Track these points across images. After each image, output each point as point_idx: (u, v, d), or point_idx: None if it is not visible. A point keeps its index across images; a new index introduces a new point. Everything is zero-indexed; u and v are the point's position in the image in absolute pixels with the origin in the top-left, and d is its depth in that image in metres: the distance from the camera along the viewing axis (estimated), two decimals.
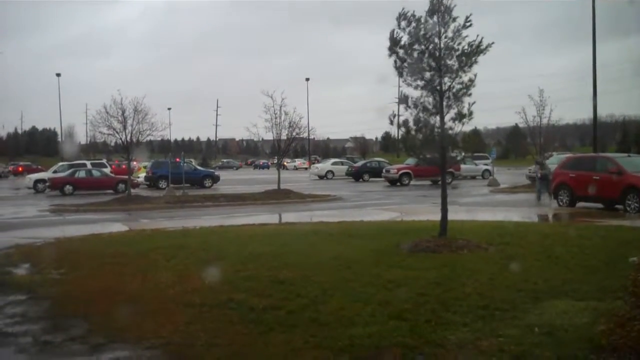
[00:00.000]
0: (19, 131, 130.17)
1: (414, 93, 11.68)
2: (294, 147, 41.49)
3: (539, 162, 27.30)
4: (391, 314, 6.89)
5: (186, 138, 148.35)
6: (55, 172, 41.99)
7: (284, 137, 31.29)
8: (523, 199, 26.76)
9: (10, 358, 6.12)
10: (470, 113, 11.42)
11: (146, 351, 6.03)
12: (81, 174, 38.51)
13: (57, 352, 6.19)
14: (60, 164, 47.72)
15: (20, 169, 75.61)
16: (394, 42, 11.55)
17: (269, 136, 32.59)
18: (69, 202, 30.33)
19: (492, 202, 26.56)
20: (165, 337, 6.37)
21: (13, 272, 10.66)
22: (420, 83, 11.56)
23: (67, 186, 36.58)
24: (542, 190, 25.29)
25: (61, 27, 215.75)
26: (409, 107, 11.69)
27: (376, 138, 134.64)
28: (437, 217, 12.37)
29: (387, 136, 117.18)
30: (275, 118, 30.58)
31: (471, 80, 11.32)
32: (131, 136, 29.36)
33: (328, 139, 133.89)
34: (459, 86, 11.37)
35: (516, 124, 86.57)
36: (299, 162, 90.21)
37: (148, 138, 31.60)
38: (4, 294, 8.89)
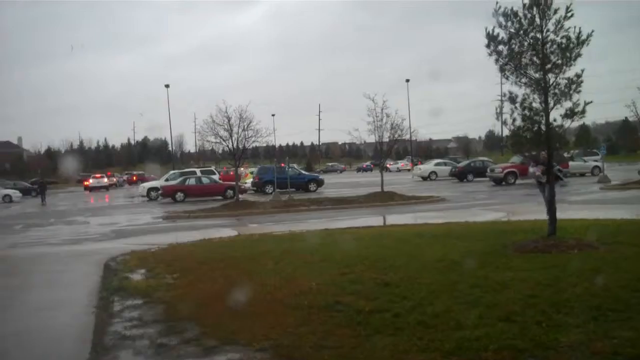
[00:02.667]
0: (132, 141, 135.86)
1: (517, 90, 11.40)
2: (396, 148, 41.37)
3: None
4: (500, 316, 6.76)
5: (290, 143, 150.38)
6: (167, 180, 43.57)
7: (386, 139, 31.22)
8: (636, 196, 25.55)
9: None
10: (583, 111, 11.00)
11: (257, 353, 6.19)
12: (191, 181, 39.80)
13: (172, 355, 6.41)
14: (172, 172, 49.55)
15: (134, 178, 79.00)
16: (492, 38, 11.30)
17: (372, 139, 32.64)
18: (180, 208, 31.43)
19: (603, 200, 25.49)
20: (275, 339, 6.51)
21: (130, 277, 11.16)
22: (524, 80, 11.27)
23: (179, 193, 37.89)
24: None
25: (174, 39, 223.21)
26: (513, 104, 11.42)
27: (479, 137, 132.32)
28: (545, 216, 12.02)
29: (490, 135, 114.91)
30: (377, 121, 30.58)
31: (578, 76, 10.91)
32: (237, 143, 30.14)
33: (430, 139, 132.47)
34: (564, 81, 10.99)
35: (626, 117, 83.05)
36: (401, 163, 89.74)
37: (253, 144, 32.35)
38: (122, 299, 9.33)
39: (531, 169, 14.51)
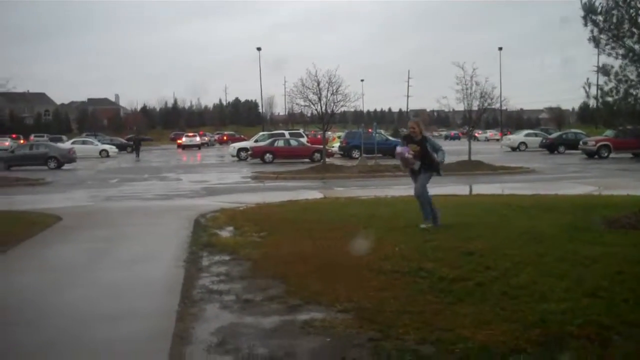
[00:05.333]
0: (224, 102, 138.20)
1: (613, 62, 10.96)
2: (486, 118, 40.60)
3: None
4: (586, 291, 6.62)
5: (378, 109, 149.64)
6: (256, 141, 44.31)
7: (475, 108, 30.68)
8: None
9: (215, 313, 6.61)
10: None
11: (339, 314, 6.29)
12: (280, 143, 40.38)
13: (257, 311, 6.58)
14: (261, 133, 50.37)
15: (225, 138, 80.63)
16: (589, 9, 10.85)
17: (461, 107, 32.15)
18: (268, 169, 31.97)
19: None
20: (357, 302, 6.60)
21: (218, 234, 11.49)
22: (620, 51, 10.81)
23: (267, 155, 38.53)
24: None
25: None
26: (607, 76, 11.00)
27: (573, 109, 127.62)
28: (639, 191, 11.58)
29: (584, 106, 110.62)
30: (467, 89, 30.05)
31: None
32: (325, 107, 30.28)
33: (521, 109, 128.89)
34: None
35: None
36: (490, 133, 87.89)
37: (342, 109, 32.44)
38: (210, 254, 9.63)
39: (399, 149, 11.38)
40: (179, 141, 72.23)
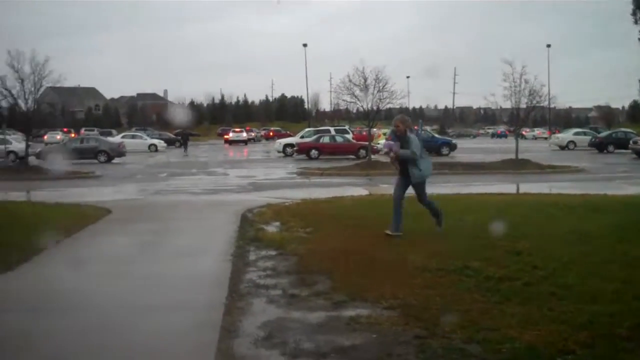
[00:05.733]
0: (270, 98, 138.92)
1: None
2: (533, 116, 40.05)
3: None
4: (635, 294, 6.53)
5: (424, 106, 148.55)
6: (302, 137, 44.50)
7: (523, 105, 30.31)
8: None
9: (262, 307, 6.69)
10: None
11: (385, 311, 6.32)
12: (325, 139, 40.48)
13: (303, 306, 6.64)
14: (307, 129, 50.56)
15: (271, 133, 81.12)
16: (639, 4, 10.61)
17: (508, 104, 31.81)
18: (314, 165, 32.10)
19: None
20: (403, 299, 6.62)
21: (265, 229, 11.60)
22: None
23: (313, 151, 38.68)
24: None
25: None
26: None
27: (622, 107, 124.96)
28: None
29: (634, 105, 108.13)
30: (515, 86, 29.69)
31: None
32: (372, 104, 30.26)
33: (570, 107, 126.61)
34: None
35: None
36: (538, 131, 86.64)
37: (388, 106, 32.39)
38: (257, 249, 9.73)
39: (388, 142, 10.95)
40: (225, 136, 72.88)
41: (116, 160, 38.06)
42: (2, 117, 36.95)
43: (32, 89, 28.71)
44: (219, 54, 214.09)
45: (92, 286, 7.70)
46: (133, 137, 56.43)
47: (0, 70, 29.88)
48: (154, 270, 8.51)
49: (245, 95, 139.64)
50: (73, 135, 64.73)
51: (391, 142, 10.55)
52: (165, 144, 57.09)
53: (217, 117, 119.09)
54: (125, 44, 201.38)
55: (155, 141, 56.15)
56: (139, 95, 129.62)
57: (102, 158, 37.37)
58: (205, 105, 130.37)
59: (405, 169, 10.42)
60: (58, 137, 63.19)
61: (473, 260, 8.19)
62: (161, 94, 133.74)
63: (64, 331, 6.01)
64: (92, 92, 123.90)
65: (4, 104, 33.93)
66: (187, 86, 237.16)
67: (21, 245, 9.66)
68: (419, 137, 10.62)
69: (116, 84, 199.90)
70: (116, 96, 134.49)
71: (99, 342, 5.62)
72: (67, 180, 26.56)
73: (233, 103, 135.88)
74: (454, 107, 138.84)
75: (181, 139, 58.23)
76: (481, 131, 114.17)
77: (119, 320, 6.34)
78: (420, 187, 10.50)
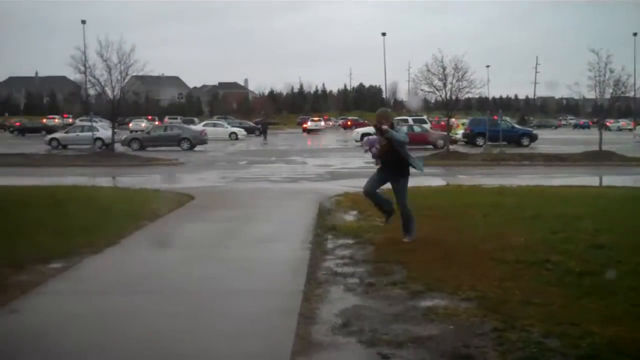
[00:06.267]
0: (348, 87, 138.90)
1: None
2: (618, 106, 38.73)
3: None
4: None
5: (504, 96, 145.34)
6: None
7: (607, 96, 29.39)
8: None
9: (339, 295, 6.79)
10: None
11: (462, 302, 6.31)
12: (403, 129, 40.23)
13: (380, 295, 6.69)
14: None
15: (349, 122, 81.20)
16: None
17: (591, 95, 30.90)
18: None
19: None
20: (480, 291, 6.59)
21: (343, 217, 11.71)
22: None
23: None
24: None
25: None
26: None
27: None
28: None
29: None
30: (600, 76, 28.78)
31: None
32: (450, 93, 29.94)
33: None
34: None
35: None
36: (623, 122, 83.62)
37: (466, 95, 31.98)
38: (335, 237, 9.83)
39: (367, 138, 10.23)
40: (304, 125, 73.43)
41: (198, 147, 38.88)
42: (90, 105, 38.27)
43: (119, 77, 29.69)
44: (298, 44, 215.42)
45: (176, 270, 7.96)
46: (214, 125, 57.48)
47: (89, 60, 30.84)
48: (235, 255, 8.72)
49: (323, 85, 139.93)
50: (157, 123, 66.43)
51: (372, 138, 9.81)
52: (245, 132, 57.89)
53: (296, 106, 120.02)
54: (208, 34, 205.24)
55: (236, 129, 57.01)
56: (220, 84, 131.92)
57: (185, 145, 38.25)
58: (284, 94, 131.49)
59: (389, 166, 9.61)
60: (142, 124, 65.04)
61: (553, 253, 8.07)
62: (242, 83, 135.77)
63: (148, 313, 6.25)
64: (175, 81, 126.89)
65: (92, 92, 35.21)
66: (267, 75, 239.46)
67: (108, 229, 10.08)
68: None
69: (199, 74, 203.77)
70: (198, 85, 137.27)
71: (182, 324, 5.81)
72: (151, 166, 27.41)
73: (312, 92, 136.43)
74: (535, 96, 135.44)
75: (261, 127, 59.07)
76: (563, 122, 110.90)
77: (201, 303, 6.54)
78: (404, 186, 9.72)
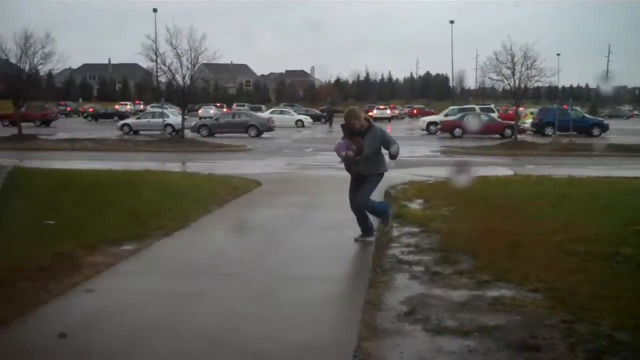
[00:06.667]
0: (414, 76, 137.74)
1: None
2: None
3: None
4: None
5: (574, 85, 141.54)
6: (446, 115, 44.01)
7: None
8: None
9: (405, 283, 6.83)
10: None
11: (529, 293, 6.26)
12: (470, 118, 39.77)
13: (446, 284, 6.70)
14: (451, 108, 49.90)
15: (415, 111, 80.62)
16: None
17: None
18: (457, 144, 31.70)
19: None
20: (548, 283, 6.52)
21: (408, 205, 11.69)
22: None
23: (457, 129, 38.11)
24: None
25: None
26: None
27: None
28: None
29: None
30: None
31: None
32: (519, 82, 29.42)
33: None
34: None
35: None
36: None
37: (536, 84, 31.38)
38: (400, 225, 9.84)
39: (337, 144, 8.79)
40: (370, 113, 73.22)
41: (265, 134, 39.24)
42: (160, 91, 39.04)
43: (189, 65, 30.23)
44: (365, 32, 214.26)
45: (243, 254, 8.13)
46: (281, 112, 57.89)
47: (160, 48, 31.57)
48: (300, 241, 8.85)
49: (389, 73, 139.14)
50: (225, 110, 67.27)
51: (343, 142, 8.60)
52: (311, 120, 58.06)
53: (362, 95, 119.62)
54: (276, 22, 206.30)
55: (302, 117, 57.28)
56: (287, 72, 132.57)
57: (252, 132, 38.65)
58: (350, 82, 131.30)
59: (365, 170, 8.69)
60: (211, 111, 65.84)
61: (624, 246, 7.89)
62: (308, 71, 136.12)
63: (216, 296, 6.44)
64: (243, 69, 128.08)
65: (163, 79, 35.95)
66: (333, 63, 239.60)
67: (179, 213, 10.34)
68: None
69: (266, 62, 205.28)
70: (266, 73, 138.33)
71: (248, 308, 5.95)
72: (219, 152, 27.89)
73: (378, 80, 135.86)
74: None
75: (326, 115, 59.13)
76: (636, 112, 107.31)
77: (268, 288, 6.68)
78: (375, 186, 8.98)
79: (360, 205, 8.72)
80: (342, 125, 8.87)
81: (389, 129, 51.37)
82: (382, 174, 8.96)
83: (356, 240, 8.74)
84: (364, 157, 8.52)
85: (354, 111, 8.85)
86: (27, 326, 5.45)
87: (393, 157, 8.53)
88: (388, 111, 71.67)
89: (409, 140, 36.18)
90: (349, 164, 8.69)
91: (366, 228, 8.79)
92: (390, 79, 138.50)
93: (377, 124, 9.17)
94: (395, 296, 6.32)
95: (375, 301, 6.13)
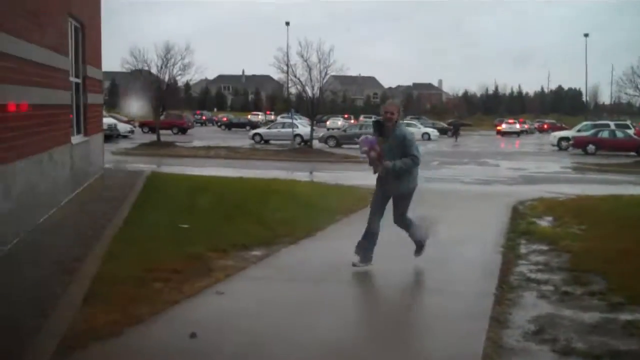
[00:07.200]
0: (545, 90, 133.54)
1: None
2: None
3: None
4: None
5: None
6: (579, 131, 42.42)
7: None
8: None
9: (532, 302, 6.67)
10: None
11: None
12: (604, 134, 38.19)
13: (576, 305, 6.49)
14: (584, 123, 48.03)
15: (545, 126, 78.15)
16: None
17: None
18: (590, 160, 30.49)
19: None
20: None
21: (537, 222, 11.39)
22: None
23: (590, 145, 36.68)
24: None
25: None
26: None
27: None
28: None
29: None
30: None
31: None
32: None
33: None
34: None
35: None
36: None
37: None
38: (528, 242, 9.63)
39: (362, 138, 7.88)
40: (498, 127, 71.64)
41: None
42: (290, 102, 40.03)
43: (318, 77, 30.87)
44: (494, 45, 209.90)
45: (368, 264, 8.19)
46: (407, 125, 57.66)
47: (291, 60, 32.51)
48: (427, 254, 8.79)
49: (519, 87, 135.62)
50: (353, 121, 67.84)
51: (370, 138, 7.85)
52: (437, 133, 57.54)
53: (490, 108, 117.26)
54: (404, 34, 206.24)
55: (429, 130, 56.87)
56: (414, 84, 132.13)
57: None
58: (478, 95, 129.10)
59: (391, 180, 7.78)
60: (339, 122, 66.70)
61: None
62: (436, 84, 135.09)
63: (338, 303, 6.57)
64: (371, 81, 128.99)
65: (293, 90, 36.87)
66: (461, 76, 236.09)
67: (306, 222, 10.58)
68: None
69: (394, 74, 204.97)
70: (393, 85, 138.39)
71: (371, 317, 6.03)
72: (346, 163, 28.21)
73: (507, 94, 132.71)
74: None
75: (453, 128, 58.44)
76: None
77: (390, 298, 6.73)
78: (406, 200, 8.16)
79: (400, 227, 8.23)
80: (373, 122, 8.19)
81: (517, 144, 50.30)
82: (410, 193, 8.06)
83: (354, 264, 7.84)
84: (387, 169, 7.58)
85: (394, 102, 8.44)
86: (161, 324, 5.72)
87: (388, 170, 7.60)
88: (517, 125, 69.76)
89: (539, 156, 35.25)
90: (374, 165, 7.79)
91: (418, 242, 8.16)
92: (520, 92, 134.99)
93: (406, 127, 8.14)
94: (522, 314, 6.20)
95: (501, 318, 6.04)
